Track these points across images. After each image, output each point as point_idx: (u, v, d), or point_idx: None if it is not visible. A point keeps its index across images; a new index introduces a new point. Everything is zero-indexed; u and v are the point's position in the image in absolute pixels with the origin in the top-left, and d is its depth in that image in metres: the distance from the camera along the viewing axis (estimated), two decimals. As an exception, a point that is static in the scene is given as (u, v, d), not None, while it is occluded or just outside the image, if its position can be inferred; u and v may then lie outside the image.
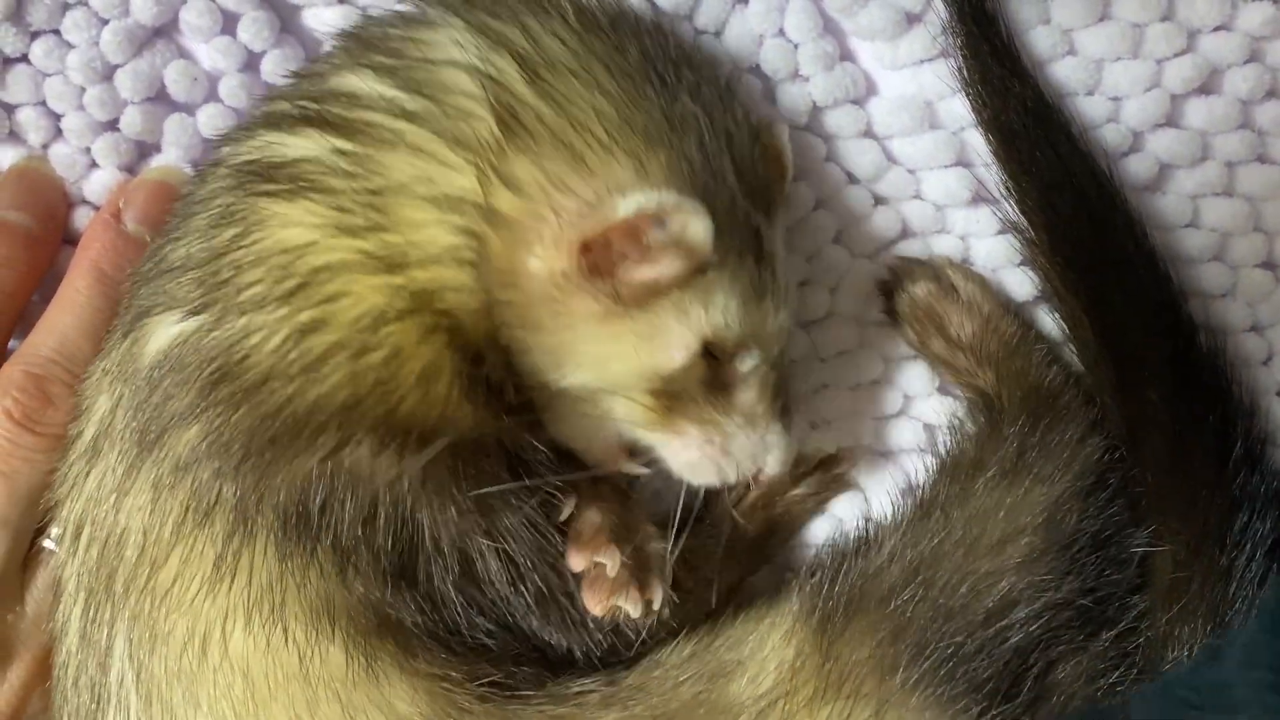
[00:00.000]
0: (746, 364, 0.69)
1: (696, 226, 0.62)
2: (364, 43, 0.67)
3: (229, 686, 0.65)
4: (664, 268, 0.63)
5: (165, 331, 0.66)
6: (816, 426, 0.86)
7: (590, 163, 0.62)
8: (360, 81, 0.65)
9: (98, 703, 0.68)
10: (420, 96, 0.63)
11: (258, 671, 0.64)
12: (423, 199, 0.63)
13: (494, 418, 0.67)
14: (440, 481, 0.66)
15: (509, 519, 0.67)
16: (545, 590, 0.69)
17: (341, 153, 0.63)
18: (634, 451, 0.71)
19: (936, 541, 0.71)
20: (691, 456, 0.69)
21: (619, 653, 0.71)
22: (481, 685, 0.67)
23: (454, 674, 0.67)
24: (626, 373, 0.66)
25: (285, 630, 0.65)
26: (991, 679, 0.68)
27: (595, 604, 0.68)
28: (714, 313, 0.66)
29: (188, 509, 0.65)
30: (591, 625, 0.70)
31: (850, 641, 0.68)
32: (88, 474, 0.69)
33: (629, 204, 0.62)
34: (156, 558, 0.66)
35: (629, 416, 0.68)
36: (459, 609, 0.67)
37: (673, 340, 0.65)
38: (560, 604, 0.70)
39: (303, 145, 0.64)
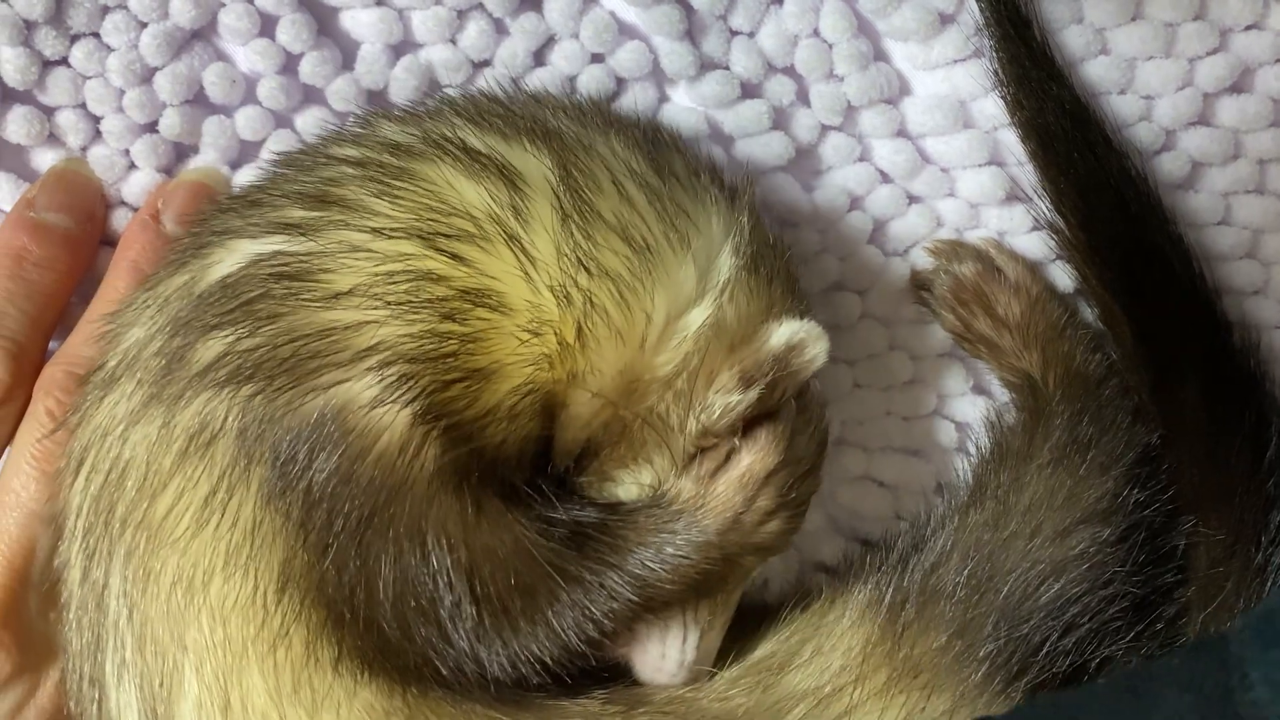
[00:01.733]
0: None
1: (816, 358, 0.66)
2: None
3: (211, 632, 0.62)
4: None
5: (242, 254, 0.64)
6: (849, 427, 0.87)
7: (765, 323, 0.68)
8: (614, 160, 0.66)
9: (97, 643, 0.65)
10: (666, 206, 0.66)
11: (234, 626, 0.62)
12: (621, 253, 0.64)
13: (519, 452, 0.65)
14: (444, 475, 0.62)
15: (497, 536, 0.64)
16: (496, 612, 0.64)
17: (563, 185, 0.64)
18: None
19: (995, 532, 0.71)
20: None
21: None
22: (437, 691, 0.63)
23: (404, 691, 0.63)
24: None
25: (255, 586, 0.61)
26: (1057, 672, 0.67)
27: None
28: None
29: (192, 436, 0.62)
30: (568, 626, 0.65)
31: (923, 631, 0.67)
32: (100, 402, 0.66)
33: (785, 330, 0.66)
34: (155, 489, 0.62)
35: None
36: (391, 603, 0.62)
37: None
38: (506, 632, 0.64)
39: (518, 154, 0.65)
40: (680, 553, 0.65)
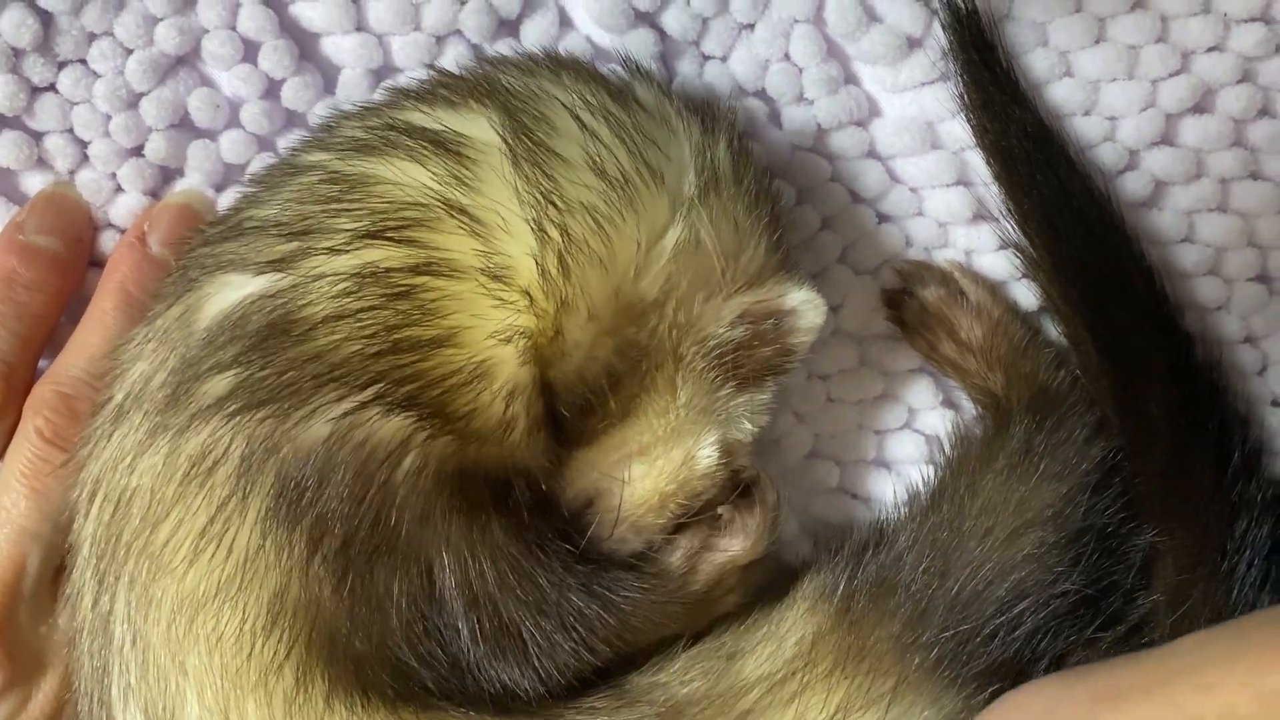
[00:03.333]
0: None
1: (812, 331, 0.71)
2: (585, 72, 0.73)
3: (209, 660, 0.63)
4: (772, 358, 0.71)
5: (233, 292, 0.66)
6: (821, 440, 0.88)
7: (755, 247, 0.72)
8: (570, 95, 0.69)
9: (104, 667, 0.67)
10: (632, 136, 0.68)
11: (229, 655, 0.63)
12: (591, 187, 0.66)
13: (525, 446, 0.67)
14: (441, 483, 0.65)
15: (498, 546, 0.66)
16: (505, 621, 0.67)
17: (512, 134, 0.66)
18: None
19: (949, 533, 0.73)
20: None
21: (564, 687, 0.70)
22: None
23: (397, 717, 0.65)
24: (684, 448, 0.71)
25: (244, 618, 0.63)
26: (1004, 664, 0.70)
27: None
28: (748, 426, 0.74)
29: (195, 463, 0.63)
30: (553, 662, 0.68)
31: (871, 622, 0.70)
32: (110, 436, 0.68)
33: (799, 296, 0.71)
34: (157, 517, 0.64)
35: (639, 496, 0.71)
36: (402, 629, 0.65)
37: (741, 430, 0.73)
38: (521, 638, 0.67)
39: (464, 118, 0.67)
40: (658, 606, 0.72)
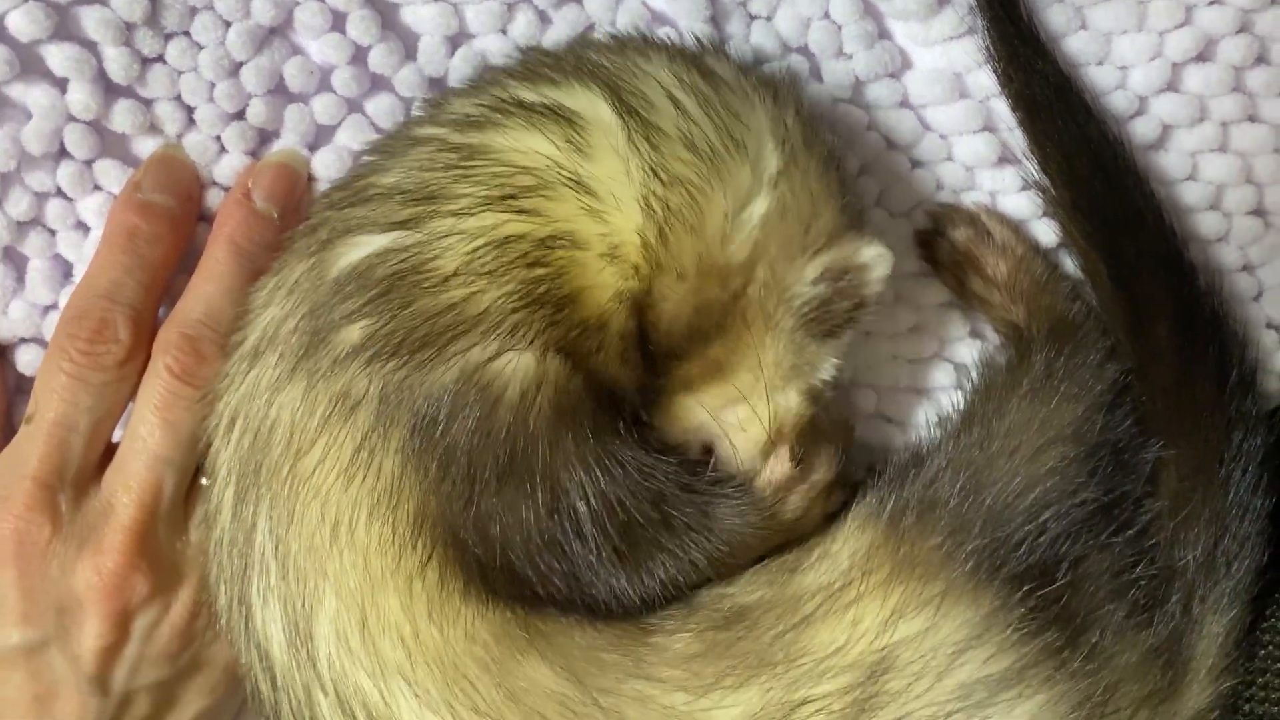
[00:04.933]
0: None
1: (882, 281, 0.78)
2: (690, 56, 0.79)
3: (352, 564, 0.71)
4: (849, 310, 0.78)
5: (361, 250, 0.73)
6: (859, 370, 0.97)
7: (829, 209, 0.78)
8: (662, 73, 0.75)
9: (245, 568, 0.75)
10: (718, 111, 0.74)
11: (375, 560, 0.71)
12: (689, 162, 0.72)
13: (629, 375, 0.75)
14: (570, 411, 0.72)
15: (619, 457, 0.74)
16: (628, 520, 0.74)
17: (624, 111, 0.72)
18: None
19: (980, 452, 0.80)
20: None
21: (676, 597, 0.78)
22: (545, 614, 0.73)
23: (513, 611, 0.72)
24: (777, 401, 0.79)
25: (394, 530, 0.71)
26: (1032, 566, 0.77)
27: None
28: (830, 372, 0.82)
29: (336, 403, 0.71)
30: (660, 573, 0.75)
31: (920, 534, 0.76)
32: (245, 374, 0.75)
33: (871, 251, 0.77)
34: (301, 446, 0.72)
35: (751, 441, 0.80)
36: (524, 544, 0.72)
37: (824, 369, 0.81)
38: (640, 538, 0.75)
39: (571, 93, 0.73)
40: (753, 529, 0.79)
